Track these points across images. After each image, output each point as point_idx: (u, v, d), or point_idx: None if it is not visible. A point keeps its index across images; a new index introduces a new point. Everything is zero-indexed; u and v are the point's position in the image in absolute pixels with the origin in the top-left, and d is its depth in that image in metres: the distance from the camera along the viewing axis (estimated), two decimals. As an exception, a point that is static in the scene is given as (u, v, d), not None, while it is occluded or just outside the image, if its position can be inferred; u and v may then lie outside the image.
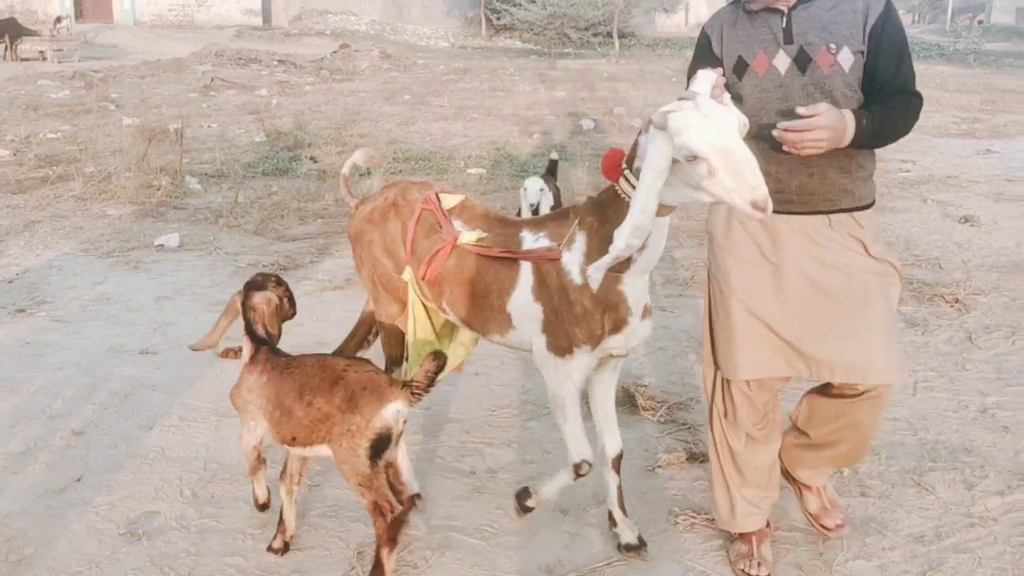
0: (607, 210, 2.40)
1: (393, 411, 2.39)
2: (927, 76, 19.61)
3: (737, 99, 2.34)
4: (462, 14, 42.91)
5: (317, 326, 4.56)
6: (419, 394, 2.41)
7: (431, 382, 2.40)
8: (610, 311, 2.45)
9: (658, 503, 3.01)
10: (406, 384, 2.41)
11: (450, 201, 2.82)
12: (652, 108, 9.52)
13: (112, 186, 7.63)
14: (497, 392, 3.90)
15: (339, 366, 2.49)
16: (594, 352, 2.50)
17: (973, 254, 6.11)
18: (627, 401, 3.70)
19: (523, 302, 2.57)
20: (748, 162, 2.03)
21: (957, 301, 5.03)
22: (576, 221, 2.49)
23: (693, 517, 2.90)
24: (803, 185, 2.38)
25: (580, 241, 2.47)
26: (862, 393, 2.47)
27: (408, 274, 2.85)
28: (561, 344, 2.50)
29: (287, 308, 2.80)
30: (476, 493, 3.08)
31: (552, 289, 2.50)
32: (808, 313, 2.45)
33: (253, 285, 2.73)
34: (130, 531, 2.82)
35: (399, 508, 2.42)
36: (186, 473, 3.18)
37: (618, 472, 2.69)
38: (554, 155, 5.74)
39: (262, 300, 2.70)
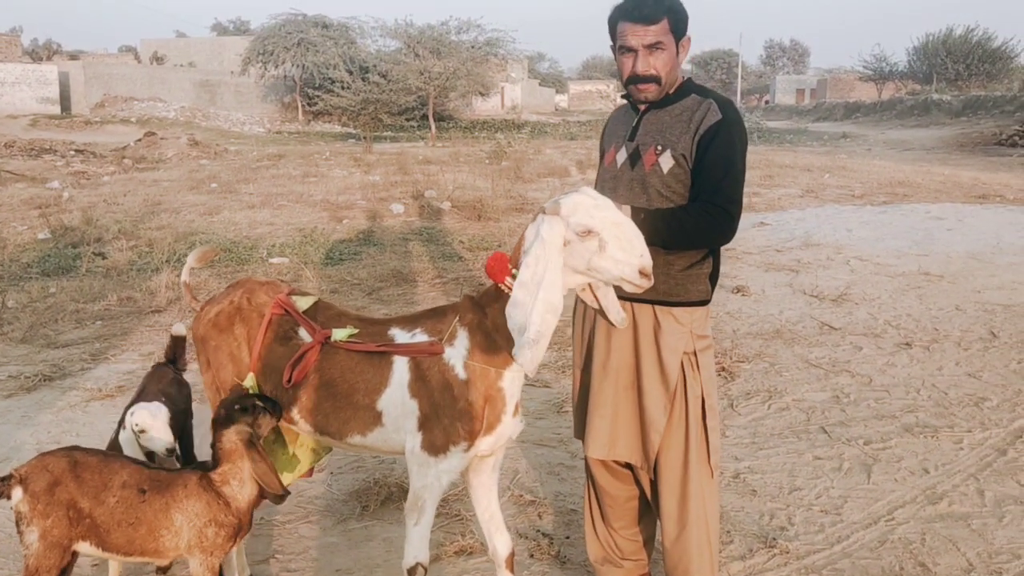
0: (487, 308, 2.47)
1: None
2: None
3: None
4: (279, 99, 42.68)
5: (76, 443, 4.26)
6: None
7: None
8: (490, 407, 2.47)
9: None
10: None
11: (304, 303, 2.74)
12: (461, 189, 9.69)
13: None
14: (269, 498, 3.77)
15: None
16: (467, 453, 2.49)
17: (742, 322, 6.60)
18: (402, 496, 3.67)
19: (398, 398, 2.52)
20: (636, 233, 2.28)
21: (724, 369, 5.39)
22: (456, 318, 2.51)
23: (455, 613, 2.90)
24: None
25: (463, 337, 2.48)
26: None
27: (250, 380, 2.72)
28: (437, 442, 2.47)
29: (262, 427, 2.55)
30: (232, 612, 2.93)
31: (433, 385, 2.48)
32: (596, 393, 2.70)
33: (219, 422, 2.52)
34: None
35: None
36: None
37: (512, 570, 2.71)
38: (178, 329, 3.36)
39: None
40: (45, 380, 5.19)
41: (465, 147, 25.70)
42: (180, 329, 3.30)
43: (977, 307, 7.03)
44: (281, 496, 2.50)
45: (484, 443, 2.51)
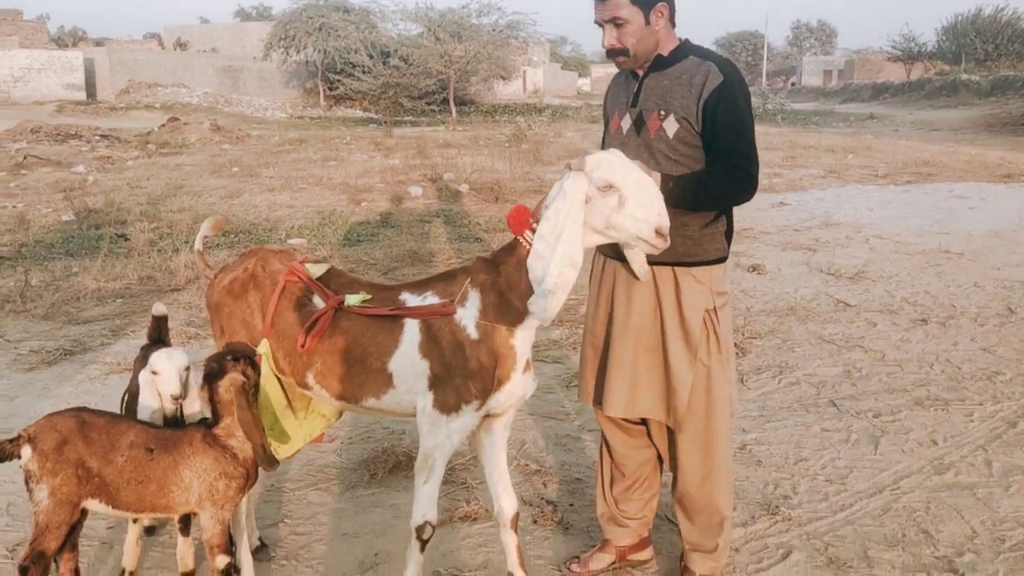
0: (501, 265, 2.50)
1: None
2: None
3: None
4: (300, 84, 42.83)
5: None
6: None
7: None
8: (500, 365, 2.51)
9: (424, 563, 3.02)
10: None
11: (317, 270, 2.78)
12: (479, 172, 9.69)
13: None
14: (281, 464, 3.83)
15: None
16: (479, 412, 2.53)
17: (756, 300, 6.58)
18: (409, 465, 3.73)
19: (409, 360, 2.56)
20: (656, 193, 2.33)
21: (735, 346, 5.38)
22: (468, 279, 2.55)
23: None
24: None
25: (474, 298, 2.52)
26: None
27: (264, 347, 2.76)
28: (449, 401, 2.51)
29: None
30: None
31: (444, 345, 2.51)
32: (617, 353, 2.70)
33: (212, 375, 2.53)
34: None
35: None
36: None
37: (516, 531, 2.74)
38: (159, 308, 3.31)
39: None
40: (66, 354, 5.29)
41: (485, 130, 25.65)
42: (161, 309, 3.22)
43: (996, 284, 6.96)
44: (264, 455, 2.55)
45: (495, 401, 2.55)
